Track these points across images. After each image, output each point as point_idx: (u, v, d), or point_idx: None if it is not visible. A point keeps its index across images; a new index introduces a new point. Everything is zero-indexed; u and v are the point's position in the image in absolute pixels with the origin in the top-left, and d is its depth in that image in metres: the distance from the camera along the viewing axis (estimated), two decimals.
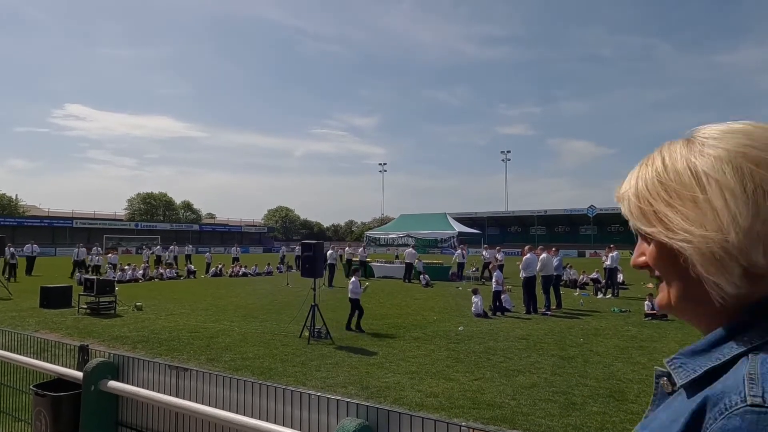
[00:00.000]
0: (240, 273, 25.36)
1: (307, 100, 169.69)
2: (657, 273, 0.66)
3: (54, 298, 12.81)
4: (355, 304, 10.11)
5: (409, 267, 21.71)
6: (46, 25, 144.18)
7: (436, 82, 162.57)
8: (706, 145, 0.62)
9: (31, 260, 24.64)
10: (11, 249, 21.71)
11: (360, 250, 24.70)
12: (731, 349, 0.58)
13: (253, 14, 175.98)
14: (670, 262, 0.63)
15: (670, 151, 0.66)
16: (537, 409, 5.50)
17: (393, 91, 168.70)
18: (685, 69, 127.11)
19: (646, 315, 11.68)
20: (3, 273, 20.43)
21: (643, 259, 0.68)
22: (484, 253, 23.04)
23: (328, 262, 19.30)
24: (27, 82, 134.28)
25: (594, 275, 19.85)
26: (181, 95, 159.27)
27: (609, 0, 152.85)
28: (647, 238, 0.66)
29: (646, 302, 12.03)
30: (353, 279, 10.46)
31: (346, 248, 26.91)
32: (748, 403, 0.51)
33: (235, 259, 28.54)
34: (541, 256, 13.31)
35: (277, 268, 28.62)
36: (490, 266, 19.01)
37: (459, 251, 23.03)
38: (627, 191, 0.68)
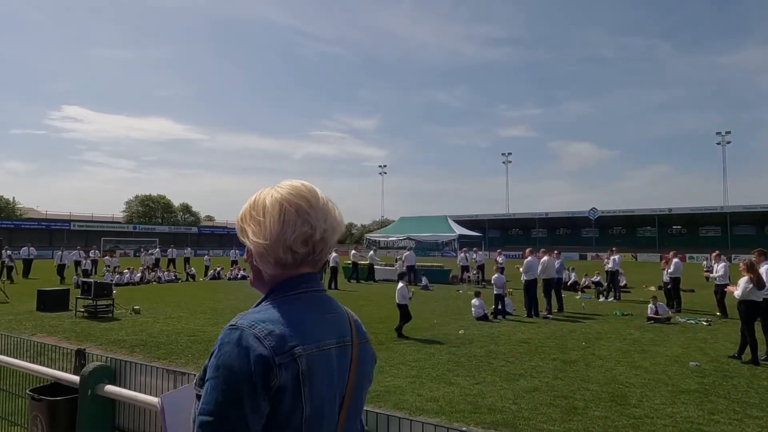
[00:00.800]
0: (239, 276, 25.29)
1: (307, 101, 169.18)
2: (248, 263, 1.13)
3: (51, 302, 12.70)
4: (404, 309, 9.84)
5: (411, 269, 21.67)
6: (43, 26, 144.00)
7: (436, 83, 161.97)
8: (276, 191, 1.10)
9: (28, 263, 24.56)
10: (8, 251, 21.65)
11: (371, 253, 24.96)
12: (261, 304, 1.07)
13: (252, 15, 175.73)
14: (250, 257, 1.11)
15: (262, 192, 1.12)
16: (538, 413, 5.45)
17: (393, 92, 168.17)
18: (686, 69, 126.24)
19: (649, 318, 11.63)
20: (0, 276, 20.34)
21: (244, 256, 1.15)
22: (474, 256, 23.18)
23: (330, 264, 19.27)
24: (24, 83, 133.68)
25: (596, 278, 19.83)
26: (180, 97, 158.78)
27: (609, 1, 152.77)
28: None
29: (650, 305, 11.99)
30: (401, 285, 10.19)
31: (352, 251, 26.90)
32: (231, 324, 0.97)
33: (234, 262, 28.38)
34: (542, 259, 13.28)
35: None
36: (494, 268, 19.04)
37: (462, 254, 23.09)
38: (238, 216, 1.12)
